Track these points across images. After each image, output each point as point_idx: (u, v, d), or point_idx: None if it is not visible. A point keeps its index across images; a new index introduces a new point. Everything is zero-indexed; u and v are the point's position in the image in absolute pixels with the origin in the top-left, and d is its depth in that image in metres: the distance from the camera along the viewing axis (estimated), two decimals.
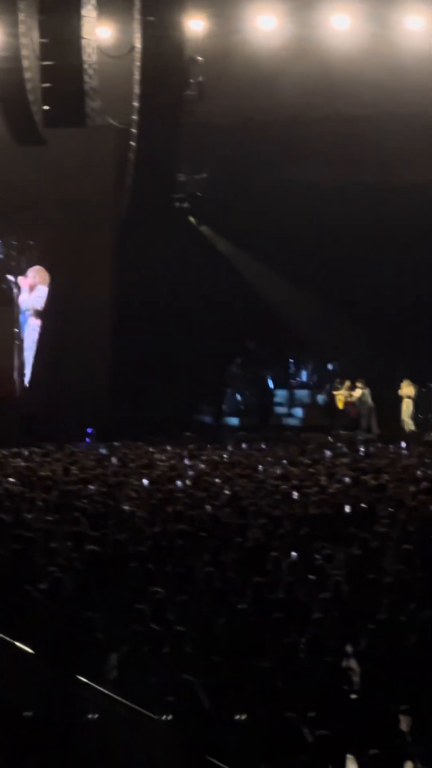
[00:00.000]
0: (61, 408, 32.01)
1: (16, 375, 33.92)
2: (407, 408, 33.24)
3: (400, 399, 33.39)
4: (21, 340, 34.00)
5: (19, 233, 34.16)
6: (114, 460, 25.24)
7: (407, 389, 33.28)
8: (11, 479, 21.73)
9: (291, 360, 37.07)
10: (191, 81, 30.49)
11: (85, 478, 21.62)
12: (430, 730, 10.76)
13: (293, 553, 15.67)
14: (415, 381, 33.64)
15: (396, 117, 32.02)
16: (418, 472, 22.99)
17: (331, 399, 34.37)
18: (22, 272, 34.17)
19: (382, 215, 34.17)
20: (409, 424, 33.16)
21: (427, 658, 11.81)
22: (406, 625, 12.66)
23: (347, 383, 33.89)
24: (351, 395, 33.58)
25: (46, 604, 13.48)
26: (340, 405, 33.94)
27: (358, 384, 33.55)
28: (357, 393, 33.49)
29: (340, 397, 33.90)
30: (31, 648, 12.47)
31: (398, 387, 33.43)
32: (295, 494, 20.02)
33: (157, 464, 24.47)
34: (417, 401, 33.50)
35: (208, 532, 16.83)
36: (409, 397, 33.24)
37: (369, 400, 33.43)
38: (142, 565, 14.83)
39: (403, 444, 29.91)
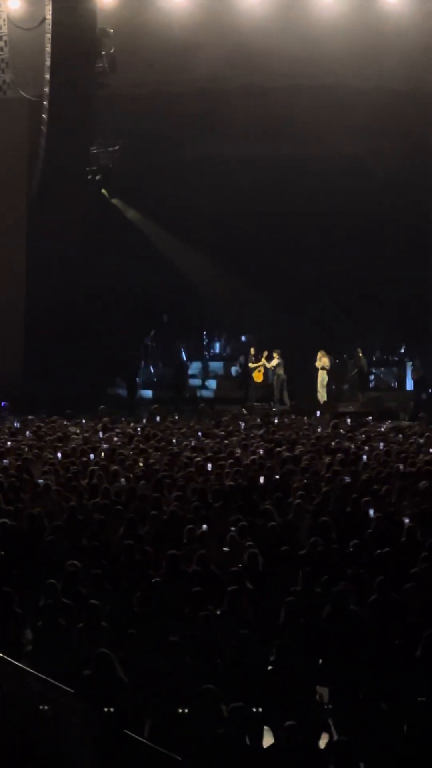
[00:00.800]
0: None
1: None
2: (322, 379, 33.36)
3: (315, 370, 33.47)
4: None
5: None
6: (28, 433, 25.11)
7: (323, 360, 33.42)
8: None
9: (204, 332, 37.10)
10: (103, 53, 30.27)
11: None
12: (345, 701, 10.82)
13: (204, 525, 15.68)
14: (330, 352, 33.76)
15: (311, 89, 31.99)
16: (333, 444, 23.10)
17: (245, 371, 34.38)
18: None
19: (297, 187, 34.26)
20: (323, 395, 33.31)
21: (342, 630, 11.86)
22: (322, 596, 12.71)
23: (265, 353, 33.87)
24: (268, 365, 33.59)
25: None
26: (258, 378, 33.93)
27: (275, 354, 33.55)
28: (274, 362, 33.47)
29: (259, 370, 33.85)
30: None
31: (313, 359, 33.49)
32: (210, 466, 20.02)
33: (72, 437, 24.34)
34: (332, 372, 33.63)
35: (123, 505, 16.81)
36: (324, 369, 33.37)
37: (281, 371, 33.50)
38: (57, 539, 14.77)
39: (318, 415, 30.01)
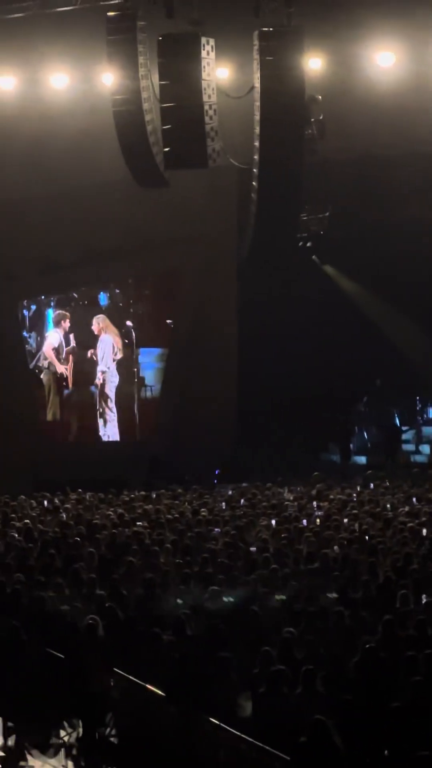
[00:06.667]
0: (187, 449, 33.33)
1: (137, 417, 35.14)
2: None
3: None
4: (143, 383, 35.44)
5: (138, 276, 35.98)
6: (242, 501, 25.95)
7: None
8: (138, 522, 22.64)
9: (418, 398, 37.91)
10: (311, 120, 30.18)
11: (213, 520, 22.68)
12: None
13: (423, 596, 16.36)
14: None
15: None
16: None
17: None
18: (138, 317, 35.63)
19: None
20: None
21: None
22: None
23: None
24: None
25: (175, 646, 14.20)
26: None
27: None
28: None
29: None
30: (161, 690, 13.18)
31: None
32: (425, 531, 20.93)
33: (286, 504, 25.12)
34: None
35: (338, 571, 17.80)
36: None
37: None
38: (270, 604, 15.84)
39: None
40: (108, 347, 35.42)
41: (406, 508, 24.54)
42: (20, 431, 34.54)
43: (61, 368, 35.40)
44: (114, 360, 35.34)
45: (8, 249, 34.17)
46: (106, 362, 35.38)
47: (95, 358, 35.24)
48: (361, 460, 35.61)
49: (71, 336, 35.46)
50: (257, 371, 35.07)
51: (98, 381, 35.29)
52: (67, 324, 35.60)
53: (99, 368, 35.41)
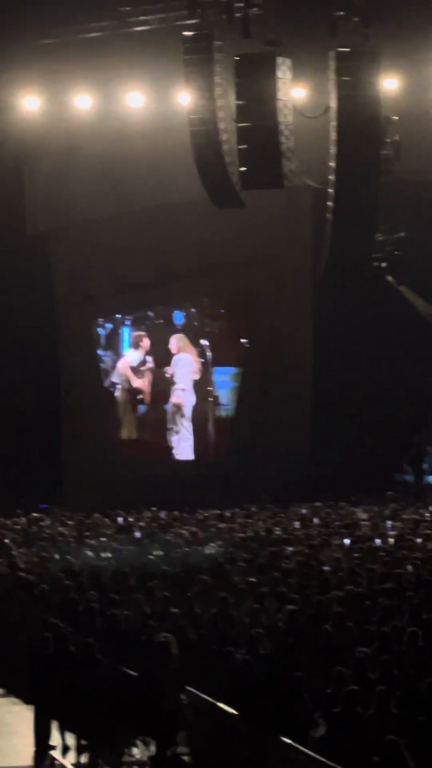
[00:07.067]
0: (261, 468, 33.64)
1: (211, 436, 35.55)
2: None
3: None
4: (217, 402, 35.78)
5: (213, 295, 36.25)
6: (316, 520, 26.31)
7: None
8: (212, 543, 22.89)
9: None
10: (387, 140, 29.61)
11: (287, 539, 22.86)
12: None
13: None
14: None
15: None
16: None
17: None
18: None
19: None
20: None
21: None
22: None
23: None
24: None
25: (248, 665, 14.36)
26: None
27: None
28: None
29: None
30: (234, 709, 13.32)
31: None
32: None
33: (361, 524, 25.31)
34: None
35: (412, 591, 17.66)
36: None
37: None
38: (343, 624, 15.76)
39: None
40: (187, 366, 35.40)
41: None
42: (95, 449, 34.88)
43: (137, 382, 35.32)
44: (193, 379, 35.44)
45: (84, 268, 34.63)
46: (185, 381, 35.31)
47: (172, 377, 35.28)
48: None
49: (149, 357, 35.59)
50: (331, 391, 35.23)
51: (175, 400, 35.31)
52: (146, 344, 35.64)
53: (177, 387, 35.29)
